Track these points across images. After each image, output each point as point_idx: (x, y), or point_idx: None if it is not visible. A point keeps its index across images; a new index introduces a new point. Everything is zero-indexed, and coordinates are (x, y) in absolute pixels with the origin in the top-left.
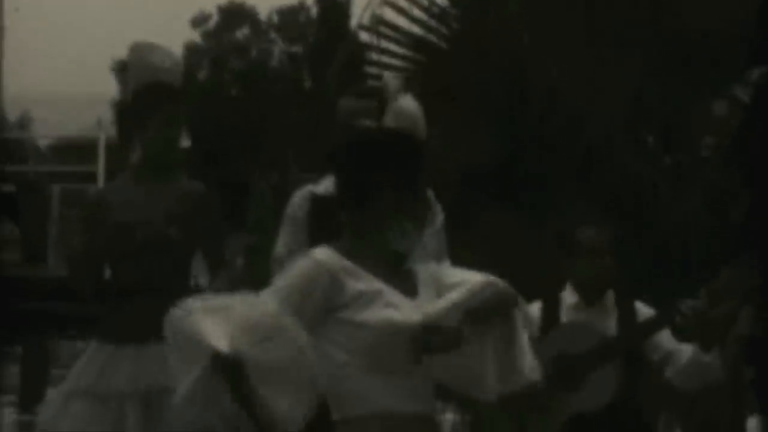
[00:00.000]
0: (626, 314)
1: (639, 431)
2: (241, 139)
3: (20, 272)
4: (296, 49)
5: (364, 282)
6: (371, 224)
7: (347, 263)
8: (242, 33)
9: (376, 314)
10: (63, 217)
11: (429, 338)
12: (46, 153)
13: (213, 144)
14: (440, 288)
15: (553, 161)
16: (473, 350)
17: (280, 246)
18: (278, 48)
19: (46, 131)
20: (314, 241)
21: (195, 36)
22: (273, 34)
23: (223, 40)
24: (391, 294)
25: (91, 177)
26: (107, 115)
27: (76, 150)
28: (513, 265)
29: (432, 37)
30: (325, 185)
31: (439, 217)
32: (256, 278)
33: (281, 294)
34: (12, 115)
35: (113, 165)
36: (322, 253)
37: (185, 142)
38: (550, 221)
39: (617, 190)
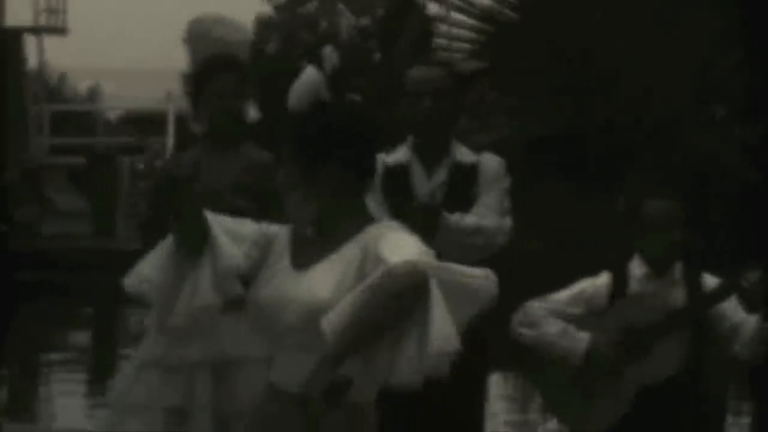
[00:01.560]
0: (694, 286)
1: (707, 403)
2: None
3: (90, 244)
4: (365, 21)
5: (275, 255)
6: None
7: (284, 233)
8: (312, 6)
9: (256, 289)
10: (132, 189)
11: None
12: (115, 125)
13: (282, 116)
14: (367, 258)
15: (621, 133)
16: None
17: None
18: (347, 21)
19: (115, 104)
20: (389, 208)
21: (267, 9)
22: (341, 7)
23: (294, 13)
24: (280, 266)
25: (161, 149)
26: (176, 87)
27: (146, 122)
28: (579, 235)
29: (501, 8)
30: (397, 155)
31: (503, 179)
32: None
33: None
34: (81, 87)
35: (183, 137)
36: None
37: (253, 115)
38: (619, 193)
39: (685, 163)
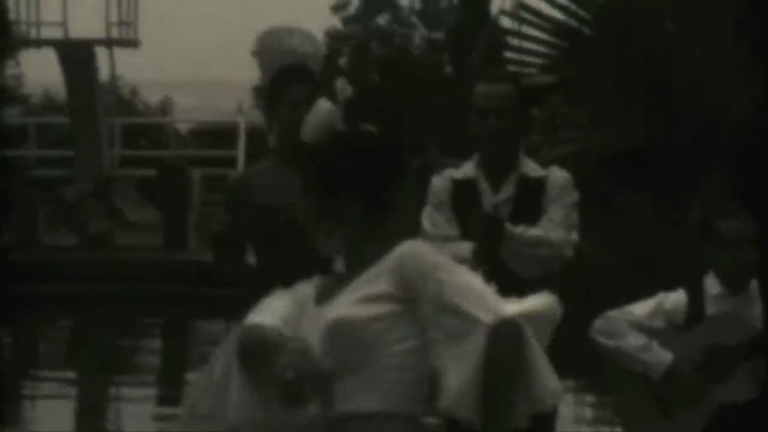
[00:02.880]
0: None
1: None
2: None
3: (160, 256)
4: (437, 35)
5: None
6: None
7: (305, 287)
8: (383, 19)
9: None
10: (204, 202)
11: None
12: (186, 138)
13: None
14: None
15: (694, 148)
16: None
17: (427, 228)
18: (419, 34)
19: (186, 116)
20: (459, 223)
21: (336, 22)
22: (414, 20)
23: (365, 26)
24: (307, 310)
25: (232, 162)
26: (247, 99)
27: (217, 135)
28: (652, 250)
29: (574, 23)
30: (465, 170)
31: (571, 193)
32: None
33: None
34: (152, 100)
35: (253, 150)
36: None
37: None
38: (692, 210)
39: (759, 175)
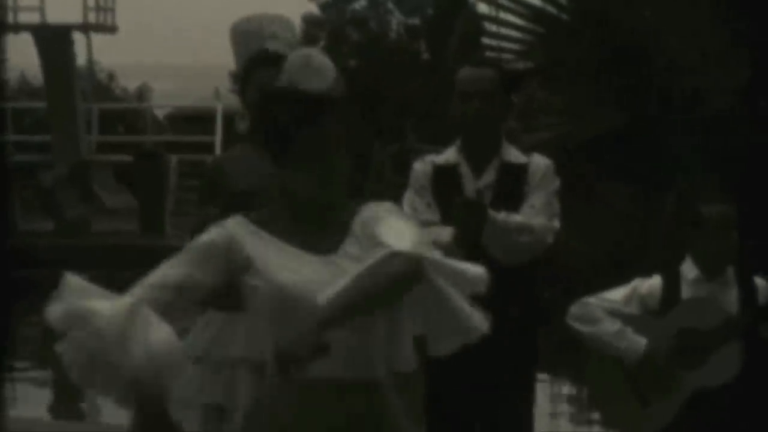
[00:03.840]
0: (747, 290)
1: (763, 410)
2: (359, 111)
3: (137, 242)
4: (414, 21)
5: (266, 245)
6: (290, 177)
7: (253, 227)
8: (359, 4)
9: (270, 278)
10: (180, 187)
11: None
12: (163, 123)
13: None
14: (366, 239)
15: (672, 133)
16: (398, 320)
17: (408, 211)
18: (396, 20)
19: (164, 102)
20: (439, 209)
21: (312, 8)
22: (391, 6)
23: (341, 11)
24: (293, 257)
25: (209, 147)
26: (225, 85)
27: (194, 120)
28: (631, 237)
29: (551, 9)
30: (446, 155)
31: (552, 180)
32: None
33: (186, 256)
34: (130, 85)
35: (231, 135)
36: (231, 221)
37: None
38: (671, 195)
39: (738, 162)
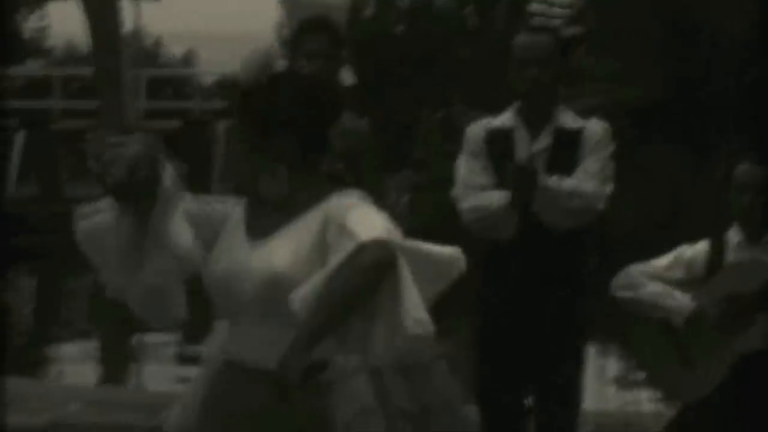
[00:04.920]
0: None
1: None
2: (406, 77)
3: None
4: None
5: (230, 232)
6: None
7: (240, 212)
8: None
9: (213, 263)
10: (228, 153)
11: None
12: (210, 90)
13: (378, 82)
14: (328, 228)
15: (720, 99)
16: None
17: (463, 174)
18: None
19: (210, 68)
20: (494, 173)
21: None
22: None
23: None
24: (236, 243)
25: None
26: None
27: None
28: (677, 202)
29: None
30: (502, 119)
31: (607, 145)
32: (419, 215)
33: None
34: (176, 52)
35: None
36: (234, 201)
37: (348, 80)
38: (718, 160)
39: None
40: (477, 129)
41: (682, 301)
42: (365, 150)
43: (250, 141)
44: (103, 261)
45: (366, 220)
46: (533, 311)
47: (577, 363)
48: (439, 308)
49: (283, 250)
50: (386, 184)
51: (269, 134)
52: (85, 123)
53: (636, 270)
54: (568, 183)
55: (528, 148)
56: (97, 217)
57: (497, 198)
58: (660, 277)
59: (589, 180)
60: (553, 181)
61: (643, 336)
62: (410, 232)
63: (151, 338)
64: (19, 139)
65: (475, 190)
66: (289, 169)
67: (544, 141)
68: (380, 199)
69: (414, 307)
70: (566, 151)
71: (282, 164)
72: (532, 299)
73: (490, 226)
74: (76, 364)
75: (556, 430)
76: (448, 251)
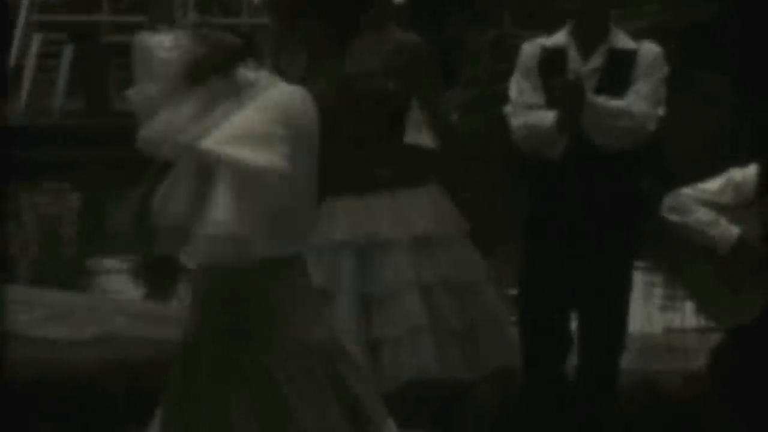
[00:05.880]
0: None
1: None
2: None
3: None
4: None
5: None
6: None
7: None
8: None
9: None
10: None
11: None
12: (259, 6)
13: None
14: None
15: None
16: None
17: (515, 94)
18: None
19: None
20: (545, 92)
21: None
22: None
23: None
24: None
25: None
26: None
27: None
28: (727, 125)
29: None
30: (555, 38)
31: (660, 67)
32: (469, 132)
33: None
34: None
35: None
36: None
37: None
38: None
39: None
40: (531, 48)
41: (728, 229)
42: (420, 66)
43: (280, 21)
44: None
45: (231, 124)
46: (581, 231)
47: (624, 285)
48: (490, 230)
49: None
50: (440, 100)
51: (300, 14)
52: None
53: (685, 193)
54: (617, 103)
55: (580, 67)
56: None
57: (547, 117)
58: (709, 201)
59: (640, 101)
60: (602, 100)
61: (690, 261)
62: (461, 148)
63: None
64: (68, 52)
65: (527, 108)
66: (314, 51)
67: (596, 61)
68: (433, 116)
69: (216, 208)
70: (618, 72)
71: (308, 45)
72: (580, 219)
73: (540, 145)
74: (121, 277)
75: (601, 353)
76: (263, 160)
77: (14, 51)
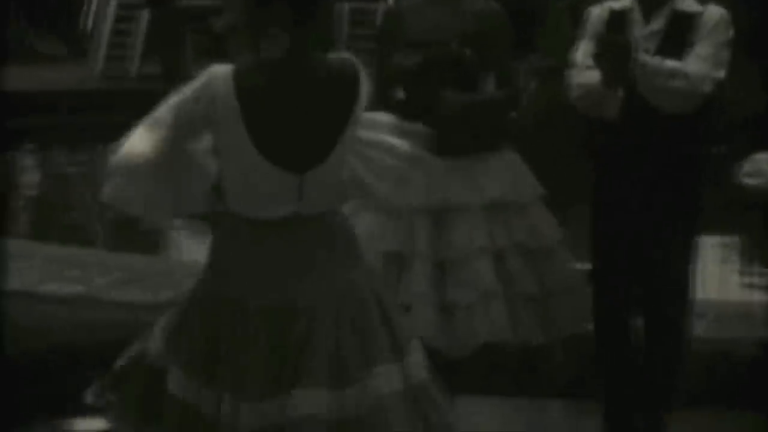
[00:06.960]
0: None
1: None
2: None
3: None
4: None
5: None
6: None
7: None
8: None
9: None
10: (351, 35)
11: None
12: None
13: None
14: None
15: None
16: None
17: (579, 56)
18: None
19: None
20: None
21: None
22: None
23: None
24: None
25: None
26: None
27: None
28: None
29: None
30: (621, 2)
31: (725, 30)
32: (545, 99)
33: None
34: None
35: None
36: None
37: None
38: None
39: None
40: (598, 10)
41: None
42: (498, 34)
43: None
44: None
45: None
46: (643, 197)
47: (686, 253)
48: (565, 196)
49: None
50: (517, 68)
51: (267, 2)
52: (210, 2)
53: (762, 158)
54: (672, 63)
55: (642, 29)
56: None
57: (596, 75)
58: None
59: (698, 62)
60: (654, 60)
61: (763, 226)
62: (537, 116)
63: None
64: (144, 16)
65: (586, 69)
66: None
67: (659, 23)
68: (511, 83)
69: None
70: (680, 34)
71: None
72: (642, 185)
73: (592, 105)
74: (193, 240)
75: (665, 322)
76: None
77: (91, 16)
